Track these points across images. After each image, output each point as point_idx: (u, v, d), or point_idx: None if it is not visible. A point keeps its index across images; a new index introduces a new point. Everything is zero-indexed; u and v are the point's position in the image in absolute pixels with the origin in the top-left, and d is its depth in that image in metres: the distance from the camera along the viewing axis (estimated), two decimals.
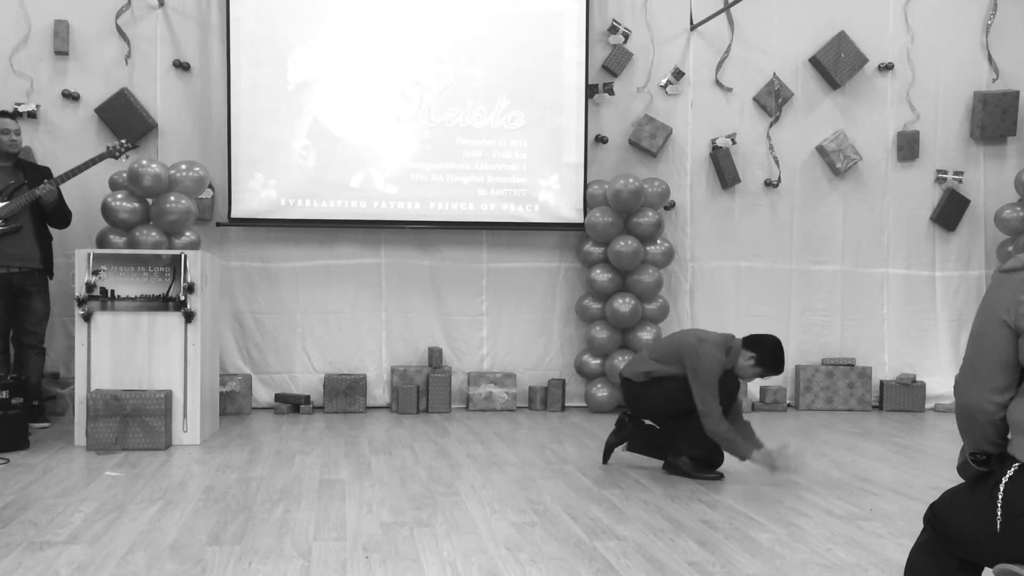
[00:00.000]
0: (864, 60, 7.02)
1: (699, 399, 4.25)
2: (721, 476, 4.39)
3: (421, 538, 3.29)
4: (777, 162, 7.02)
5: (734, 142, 6.94)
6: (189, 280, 5.01)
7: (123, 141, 5.69)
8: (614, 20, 6.80)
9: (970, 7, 7.20)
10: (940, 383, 7.03)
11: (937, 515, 1.91)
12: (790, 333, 7.04)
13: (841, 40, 6.97)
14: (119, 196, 5.87)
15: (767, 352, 4.32)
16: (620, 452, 4.73)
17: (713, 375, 4.25)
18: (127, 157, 5.81)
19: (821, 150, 7.03)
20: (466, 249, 6.75)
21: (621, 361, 6.40)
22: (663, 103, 6.90)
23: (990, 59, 7.20)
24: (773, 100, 6.97)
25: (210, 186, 6.32)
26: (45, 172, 5.52)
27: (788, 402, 7.02)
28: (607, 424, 5.98)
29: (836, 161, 7.01)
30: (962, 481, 1.91)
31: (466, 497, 3.93)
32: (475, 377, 6.62)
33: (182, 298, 5.01)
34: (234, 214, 6.36)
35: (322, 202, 6.45)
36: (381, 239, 6.65)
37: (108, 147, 5.63)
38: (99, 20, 6.23)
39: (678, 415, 4.44)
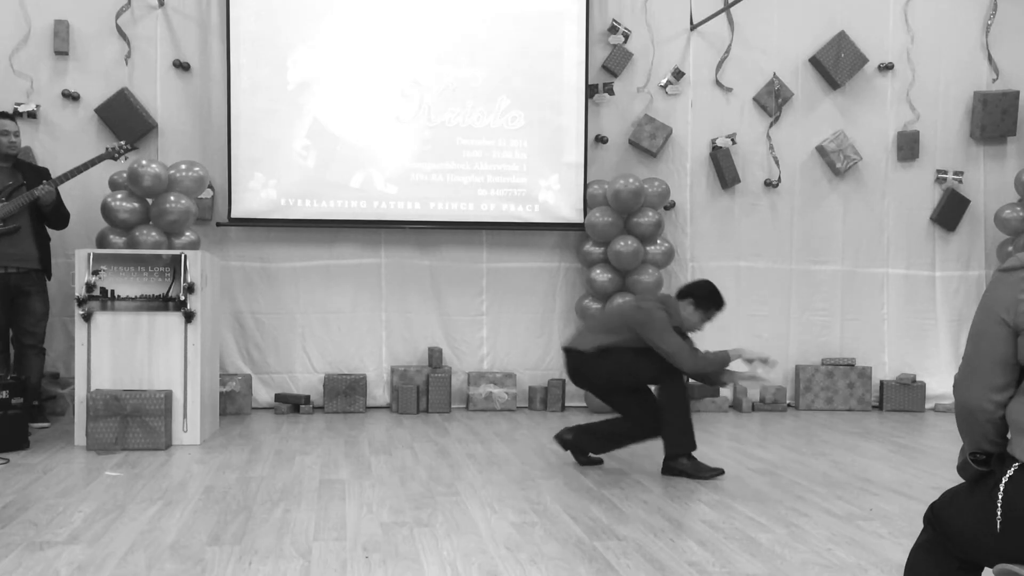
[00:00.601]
0: (864, 60, 7.02)
1: (663, 348, 4.23)
2: (721, 472, 4.39)
3: (421, 538, 3.29)
4: (777, 162, 7.02)
5: (734, 142, 6.94)
6: (189, 280, 5.01)
7: (123, 143, 5.70)
8: (614, 20, 6.80)
9: (970, 7, 7.20)
10: (940, 383, 7.03)
11: (937, 515, 1.91)
12: (790, 333, 7.05)
13: (841, 40, 6.96)
14: (119, 196, 5.86)
15: (702, 292, 4.37)
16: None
17: (664, 322, 4.25)
18: (126, 158, 5.81)
19: (821, 150, 7.03)
20: (466, 249, 6.75)
21: None
22: (663, 103, 6.90)
23: (990, 59, 7.20)
24: (773, 100, 6.97)
25: (210, 186, 6.32)
26: (44, 173, 5.52)
27: (788, 402, 7.02)
28: None
29: (836, 161, 7.01)
30: (962, 481, 1.91)
31: (466, 497, 3.93)
32: (475, 377, 6.62)
33: (182, 298, 5.01)
34: (234, 214, 6.36)
35: (322, 202, 6.45)
36: (381, 239, 6.65)
37: (107, 148, 5.63)
38: (99, 20, 6.23)
39: (623, 389, 4.44)
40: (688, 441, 4.39)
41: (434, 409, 6.48)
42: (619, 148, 6.86)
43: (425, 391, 6.51)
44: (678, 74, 6.89)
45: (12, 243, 5.27)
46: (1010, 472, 1.73)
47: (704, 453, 5.04)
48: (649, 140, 6.80)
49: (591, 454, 4.66)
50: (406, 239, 6.67)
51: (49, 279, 5.54)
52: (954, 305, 7.21)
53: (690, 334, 4.51)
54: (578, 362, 4.48)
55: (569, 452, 4.70)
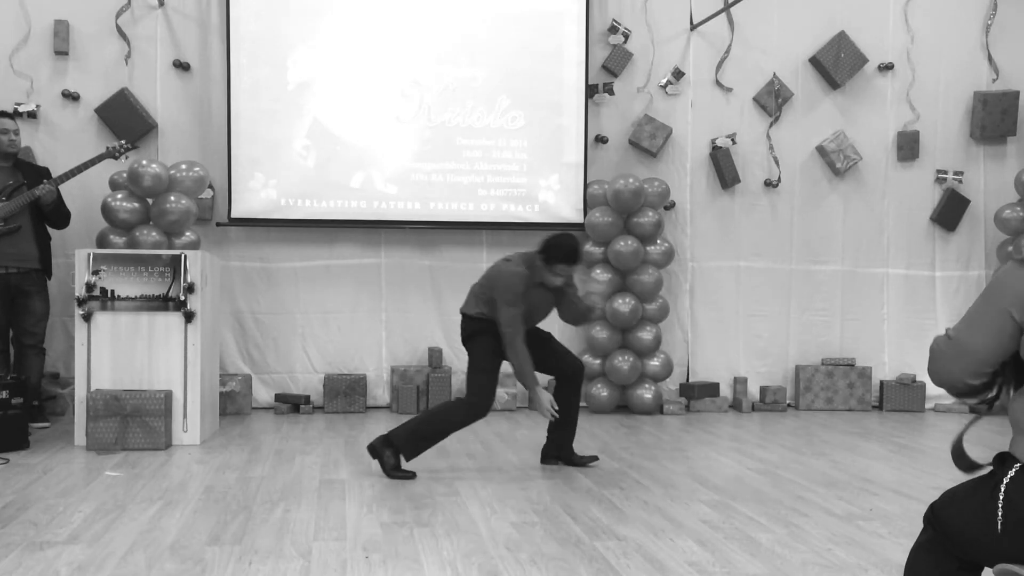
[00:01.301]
0: (864, 60, 7.02)
1: (502, 317, 4.26)
2: (412, 475, 4.31)
3: (421, 538, 3.29)
4: (777, 162, 7.02)
5: (734, 142, 6.94)
6: (189, 280, 5.01)
7: (123, 142, 5.70)
8: (614, 20, 6.80)
9: (970, 7, 7.19)
10: None
11: (937, 515, 1.91)
12: (790, 333, 7.05)
13: (841, 40, 6.96)
14: (119, 196, 5.87)
15: (548, 245, 4.35)
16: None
17: (513, 292, 4.26)
18: (127, 158, 5.81)
19: (821, 150, 7.03)
20: (466, 249, 6.74)
21: (622, 361, 6.41)
22: (663, 103, 6.89)
23: (990, 59, 7.20)
24: (773, 100, 6.97)
25: (210, 186, 6.32)
26: (44, 172, 5.52)
27: (788, 402, 7.02)
28: (607, 424, 5.99)
29: (836, 161, 7.01)
30: (962, 480, 1.91)
31: (466, 497, 3.93)
32: None
33: (182, 298, 5.01)
34: (234, 214, 6.36)
35: (322, 202, 6.45)
36: (381, 239, 6.65)
37: (108, 148, 5.63)
38: (99, 20, 6.23)
39: (486, 369, 4.42)
40: (412, 448, 4.33)
41: None
42: (619, 148, 6.86)
43: (425, 391, 6.50)
44: (678, 74, 6.89)
45: (12, 243, 5.27)
46: (1011, 473, 1.72)
47: (704, 453, 5.05)
48: (649, 140, 6.80)
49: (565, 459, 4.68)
50: (406, 239, 6.67)
51: (49, 279, 5.54)
52: (954, 305, 7.21)
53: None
54: (469, 330, 4.46)
55: (561, 463, 4.69)
